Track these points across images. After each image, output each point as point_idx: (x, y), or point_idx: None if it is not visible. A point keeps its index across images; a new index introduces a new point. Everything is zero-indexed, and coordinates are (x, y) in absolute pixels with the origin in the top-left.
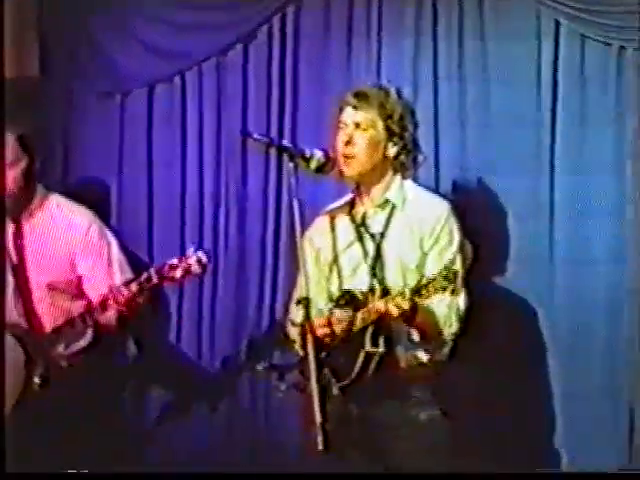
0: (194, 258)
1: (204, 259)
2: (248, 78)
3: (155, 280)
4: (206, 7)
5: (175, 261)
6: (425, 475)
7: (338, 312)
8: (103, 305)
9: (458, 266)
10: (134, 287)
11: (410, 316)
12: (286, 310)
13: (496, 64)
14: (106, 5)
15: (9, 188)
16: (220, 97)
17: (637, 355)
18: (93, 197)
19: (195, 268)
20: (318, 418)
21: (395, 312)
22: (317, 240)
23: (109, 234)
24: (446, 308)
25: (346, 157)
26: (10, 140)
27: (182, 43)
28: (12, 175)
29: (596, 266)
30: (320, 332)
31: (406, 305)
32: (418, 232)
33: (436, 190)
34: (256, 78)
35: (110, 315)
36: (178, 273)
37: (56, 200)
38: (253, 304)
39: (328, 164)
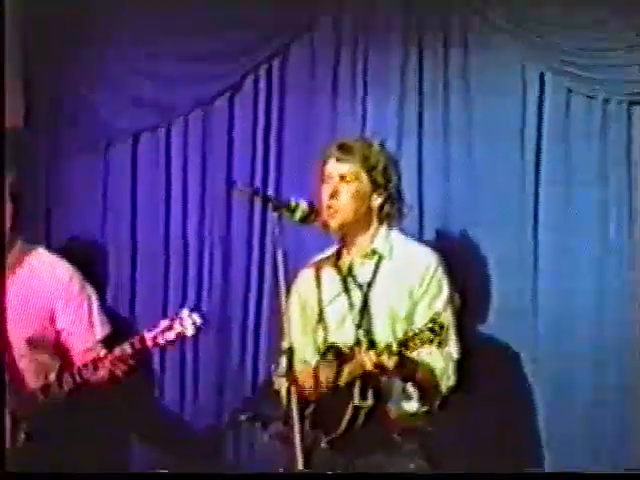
0: (189, 321)
1: (199, 321)
2: (234, 128)
3: (149, 343)
4: (191, 59)
5: (168, 322)
6: (425, 475)
7: (323, 365)
8: (94, 365)
9: (446, 318)
10: (127, 349)
11: (408, 371)
12: (269, 361)
13: (481, 117)
14: (90, 57)
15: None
16: (205, 146)
17: (622, 403)
18: (76, 248)
19: (190, 331)
20: (301, 467)
21: (370, 366)
22: (303, 291)
23: (89, 287)
24: (442, 361)
25: (331, 209)
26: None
27: (167, 95)
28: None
29: (579, 317)
30: (305, 384)
31: (391, 362)
32: (407, 282)
33: (420, 239)
34: (241, 128)
35: (101, 374)
36: (172, 335)
37: (37, 253)
38: (236, 355)
39: (313, 214)
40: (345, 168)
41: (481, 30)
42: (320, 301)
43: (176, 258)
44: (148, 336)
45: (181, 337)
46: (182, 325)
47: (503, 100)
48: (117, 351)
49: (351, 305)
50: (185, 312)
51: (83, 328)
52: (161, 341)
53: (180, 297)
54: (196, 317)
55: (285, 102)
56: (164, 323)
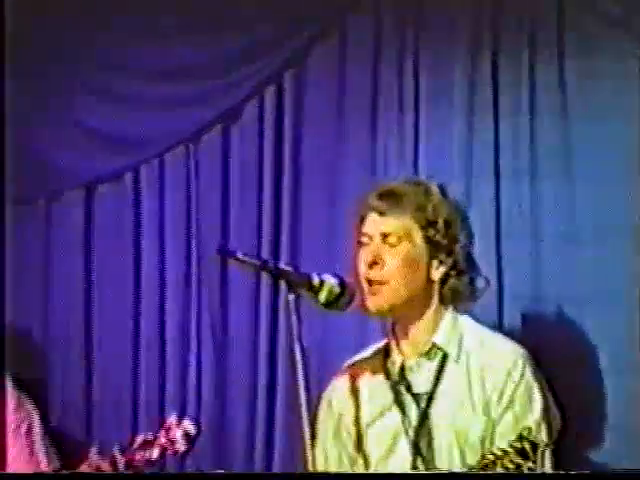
0: (178, 432)
1: (192, 431)
2: (230, 171)
3: (121, 465)
4: (168, 74)
5: (150, 436)
6: (425, 475)
7: None
8: None
9: (540, 438)
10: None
11: None
12: None
13: (584, 152)
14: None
15: None
16: (190, 199)
17: None
18: (7, 346)
19: (180, 445)
20: None
21: None
22: (338, 404)
23: (29, 404)
24: None
25: (372, 284)
26: None
27: (135, 126)
28: None
29: None
30: None
31: None
32: (482, 392)
33: (499, 327)
34: (241, 171)
35: None
36: (155, 453)
37: None
38: None
39: (345, 295)
40: (391, 224)
41: (583, 25)
42: (360, 419)
43: (150, 358)
44: (121, 456)
45: (168, 454)
46: (169, 437)
47: (617, 126)
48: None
49: (405, 423)
50: (173, 419)
51: (23, 460)
52: (139, 461)
53: (157, 413)
54: (188, 425)
55: (302, 133)
56: (144, 436)
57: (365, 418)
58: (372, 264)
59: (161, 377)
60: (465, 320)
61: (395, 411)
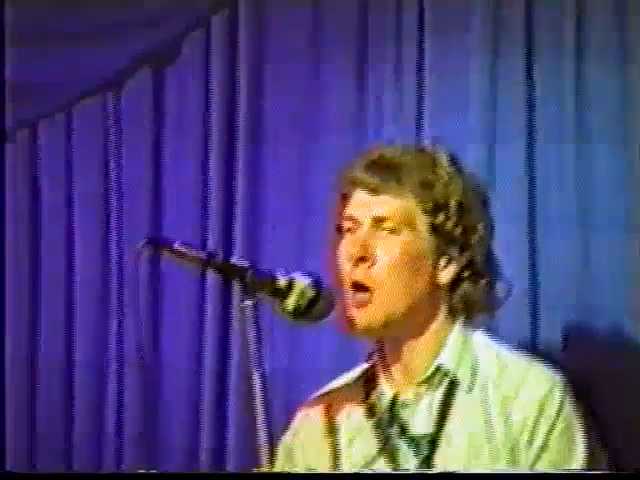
0: None
1: None
2: (162, 132)
3: None
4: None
5: None
6: (426, 475)
7: None
8: None
9: None
10: None
11: None
12: None
13: None
14: None
15: None
16: (107, 170)
17: None
18: None
19: None
20: None
21: None
22: (302, 455)
23: None
24: None
25: (359, 288)
26: None
27: (36, 67)
28: None
29: None
30: None
31: None
32: (506, 433)
33: (533, 347)
34: (178, 132)
35: None
36: None
37: None
38: None
39: (321, 300)
40: (386, 205)
41: None
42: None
43: (51, 389)
44: None
45: None
46: None
47: None
48: None
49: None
50: None
51: None
52: None
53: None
54: None
55: (263, 79)
56: None
57: (345, 466)
58: (358, 260)
59: (67, 415)
60: (480, 337)
61: (384, 463)
